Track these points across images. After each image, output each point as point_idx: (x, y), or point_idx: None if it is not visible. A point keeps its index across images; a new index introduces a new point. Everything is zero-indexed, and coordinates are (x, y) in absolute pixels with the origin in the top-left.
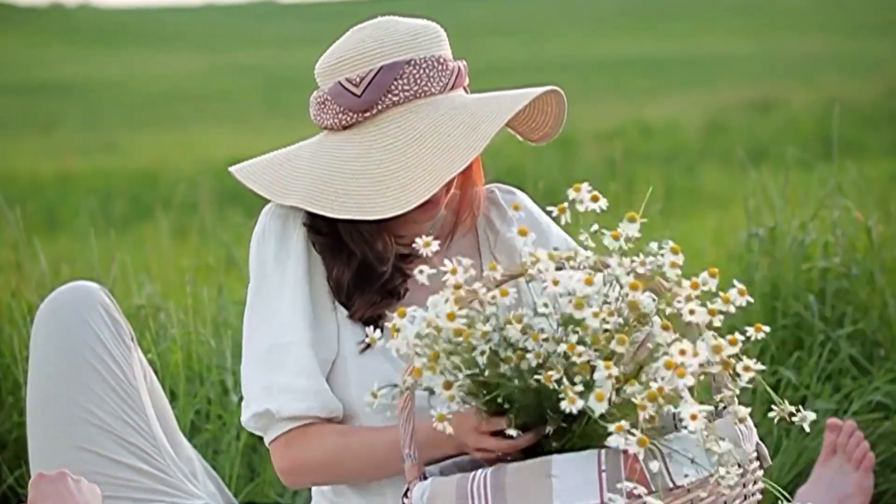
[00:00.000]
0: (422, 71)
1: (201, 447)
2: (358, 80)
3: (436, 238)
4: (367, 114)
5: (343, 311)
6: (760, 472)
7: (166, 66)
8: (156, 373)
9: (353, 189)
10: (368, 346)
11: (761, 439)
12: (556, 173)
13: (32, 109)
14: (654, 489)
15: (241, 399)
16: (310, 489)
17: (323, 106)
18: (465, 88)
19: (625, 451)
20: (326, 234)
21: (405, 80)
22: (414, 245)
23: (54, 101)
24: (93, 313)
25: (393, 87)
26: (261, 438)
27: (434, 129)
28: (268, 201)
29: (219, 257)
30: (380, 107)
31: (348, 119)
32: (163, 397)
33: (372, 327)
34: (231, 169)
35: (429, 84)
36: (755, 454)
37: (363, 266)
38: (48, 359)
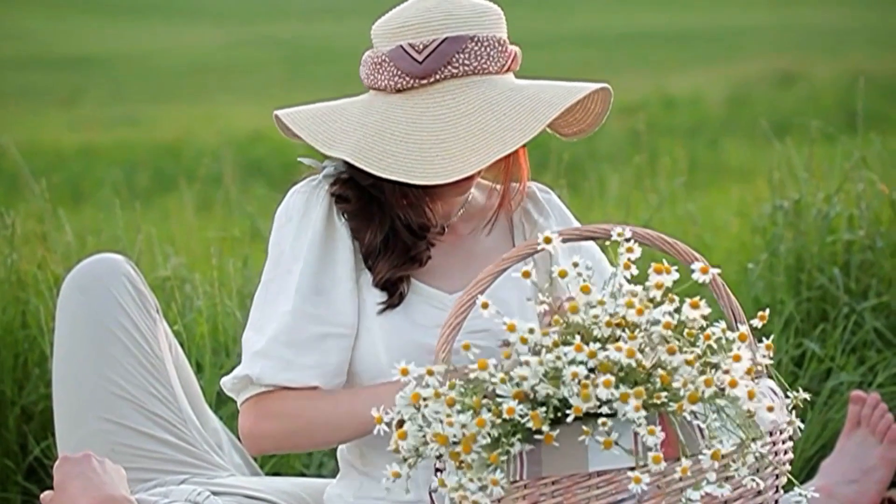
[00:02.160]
0: (483, 49)
1: (227, 419)
2: (421, 46)
3: (467, 221)
4: (424, 81)
5: (366, 282)
6: (791, 443)
7: (189, 39)
8: (182, 344)
9: (400, 151)
10: (387, 307)
11: None
12: (579, 147)
13: (55, 82)
14: (688, 453)
15: None
16: (335, 458)
17: (379, 67)
18: (514, 74)
19: (660, 415)
20: (355, 200)
21: (466, 55)
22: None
23: (76, 74)
24: (118, 285)
25: (454, 60)
26: None
27: (489, 106)
28: (296, 180)
29: (244, 229)
30: (437, 76)
31: (403, 83)
32: (188, 369)
33: (387, 292)
34: (278, 112)
35: (488, 62)
36: (786, 423)
37: (392, 231)
38: (74, 331)
